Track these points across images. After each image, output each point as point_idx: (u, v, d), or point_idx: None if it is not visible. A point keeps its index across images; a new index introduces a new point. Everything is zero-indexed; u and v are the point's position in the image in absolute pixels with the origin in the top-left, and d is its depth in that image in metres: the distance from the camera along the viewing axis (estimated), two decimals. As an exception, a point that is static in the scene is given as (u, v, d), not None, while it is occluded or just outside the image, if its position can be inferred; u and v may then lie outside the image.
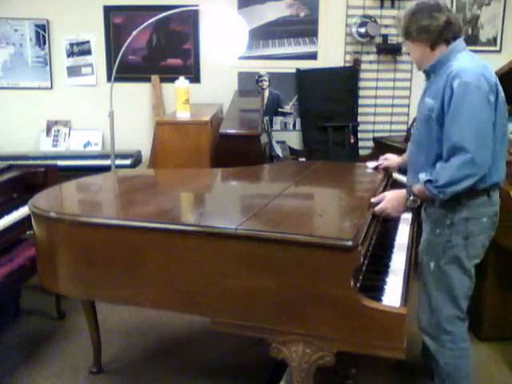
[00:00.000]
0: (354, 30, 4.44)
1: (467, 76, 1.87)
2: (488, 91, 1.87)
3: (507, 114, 2.00)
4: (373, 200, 2.05)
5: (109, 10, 4.47)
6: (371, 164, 2.66)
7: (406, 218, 2.57)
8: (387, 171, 2.58)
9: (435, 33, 1.98)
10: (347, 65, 4.57)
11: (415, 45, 2.04)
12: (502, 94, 1.94)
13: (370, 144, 4.48)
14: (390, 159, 2.58)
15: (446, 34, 2.00)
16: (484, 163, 1.84)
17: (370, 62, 4.59)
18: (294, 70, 4.54)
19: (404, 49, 2.14)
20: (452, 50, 2.02)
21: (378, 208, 2.02)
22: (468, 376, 2.06)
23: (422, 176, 1.94)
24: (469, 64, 1.94)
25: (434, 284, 2.06)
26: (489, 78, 1.91)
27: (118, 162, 3.94)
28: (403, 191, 2.01)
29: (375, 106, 4.63)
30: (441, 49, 2.01)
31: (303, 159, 4.16)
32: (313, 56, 4.57)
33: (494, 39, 4.60)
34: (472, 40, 4.55)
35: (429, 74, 2.09)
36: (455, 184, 1.85)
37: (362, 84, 4.62)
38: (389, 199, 2.02)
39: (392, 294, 1.73)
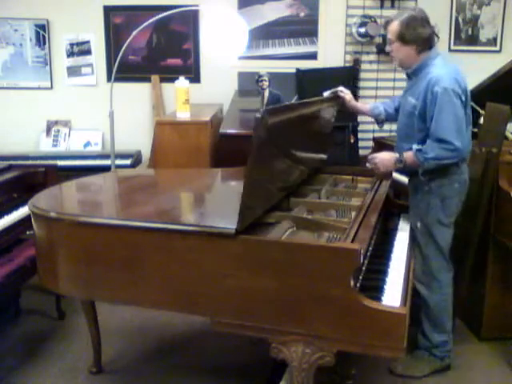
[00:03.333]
0: (353, 30, 4.44)
1: (445, 82, 2.27)
2: (461, 93, 2.29)
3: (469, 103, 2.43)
4: (369, 157, 2.44)
5: (109, 10, 4.47)
6: (327, 93, 2.63)
7: (406, 217, 2.57)
8: (341, 105, 2.68)
9: (424, 40, 2.37)
10: (347, 65, 4.56)
11: (404, 47, 2.38)
12: (468, 90, 2.38)
13: (370, 144, 4.48)
14: (348, 94, 2.67)
15: (430, 43, 2.39)
16: (464, 149, 2.31)
17: (370, 62, 4.58)
18: (294, 70, 4.53)
19: (388, 48, 2.46)
20: (429, 57, 2.40)
21: (371, 159, 2.42)
22: (450, 313, 2.54)
23: (415, 146, 2.32)
24: (445, 70, 2.33)
25: (423, 239, 2.45)
26: (460, 80, 2.32)
27: (118, 161, 3.94)
28: (394, 153, 2.41)
29: (375, 105, 4.63)
30: (424, 54, 2.39)
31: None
32: (313, 56, 4.57)
33: (494, 39, 4.59)
34: (472, 40, 4.55)
35: (410, 75, 2.47)
36: (438, 160, 2.28)
37: (362, 84, 4.62)
38: (382, 157, 2.42)
39: (392, 294, 1.74)
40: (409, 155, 2.33)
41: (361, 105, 2.81)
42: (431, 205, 2.41)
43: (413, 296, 1.93)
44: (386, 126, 4.75)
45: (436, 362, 2.54)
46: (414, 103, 2.37)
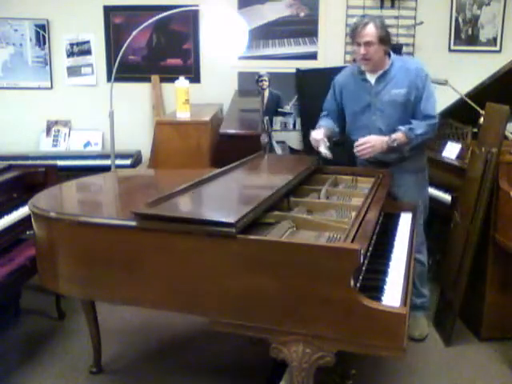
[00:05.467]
0: (354, 29, 4.43)
1: (425, 69, 2.70)
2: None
3: None
4: (356, 143, 2.68)
5: (109, 10, 4.47)
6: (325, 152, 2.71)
7: (406, 217, 2.57)
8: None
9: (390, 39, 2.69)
10: (347, 65, 4.56)
11: (381, 48, 2.62)
12: None
13: (370, 144, 4.48)
14: (321, 139, 2.75)
15: None
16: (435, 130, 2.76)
17: (370, 62, 4.58)
18: (294, 70, 4.53)
19: (363, 50, 2.61)
20: (392, 55, 2.73)
21: (360, 148, 2.66)
22: None
23: (402, 127, 2.65)
24: (415, 60, 2.95)
25: (423, 213, 2.85)
26: None
27: (118, 161, 3.94)
28: (384, 137, 2.66)
29: (375, 106, 4.63)
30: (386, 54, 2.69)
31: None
32: (313, 56, 4.57)
33: (494, 39, 4.59)
34: (472, 40, 4.55)
35: (383, 75, 2.70)
36: (424, 135, 2.68)
37: (361, 84, 4.61)
38: (374, 141, 2.65)
39: (392, 294, 1.73)
40: (399, 135, 2.65)
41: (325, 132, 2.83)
42: (426, 178, 2.91)
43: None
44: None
45: (426, 313, 3.01)
46: (405, 92, 2.67)
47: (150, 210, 1.78)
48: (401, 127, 2.66)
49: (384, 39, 2.61)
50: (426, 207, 2.92)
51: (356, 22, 2.70)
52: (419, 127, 2.64)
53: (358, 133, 2.79)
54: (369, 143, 2.65)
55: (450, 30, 4.54)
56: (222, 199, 2.14)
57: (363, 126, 2.79)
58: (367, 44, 2.59)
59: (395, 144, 2.64)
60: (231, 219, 1.64)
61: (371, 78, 2.74)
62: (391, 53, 2.73)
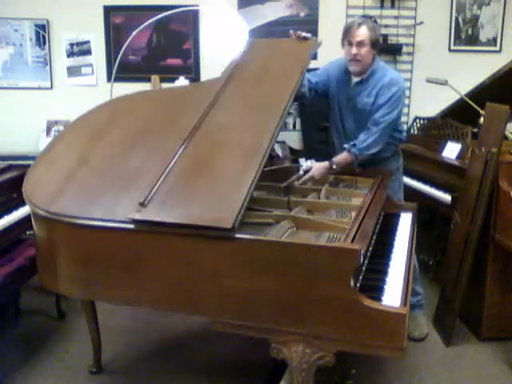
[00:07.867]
0: (354, 29, 4.43)
1: (400, 84, 2.62)
2: (404, 91, 2.68)
3: None
4: (301, 170, 2.56)
5: (109, 10, 4.47)
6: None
7: (406, 218, 2.57)
8: None
9: (380, 46, 2.68)
10: (347, 65, 4.57)
11: (371, 51, 2.59)
12: None
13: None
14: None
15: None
16: (383, 142, 2.63)
17: (370, 62, 4.58)
18: (293, 70, 4.53)
19: (355, 50, 2.57)
20: (378, 61, 2.68)
21: (306, 177, 2.52)
22: None
23: (346, 145, 2.61)
24: (395, 73, 2.72)
25: None
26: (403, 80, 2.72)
27: (118, 162, 3.93)
28: (326, 163, 2.59)
29: (375, 105, 4.62)
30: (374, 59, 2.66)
31: (303, 159, 4.14)
32: (313, 56, 4.57)
33: (494, 39, 4.58)
34: (472, 40, 4.55)
35: (364, 80, 2.65)
36: (372, 147, 2.59)
37: (361, 84, 4.61)
38: (315, 169, 2.55)
39: (392, 294, 1.74)
40: (340, 158, 2.61)
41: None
42: (400, 180, 2.89)
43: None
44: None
45: (423, 310, 2.98)
46: (369, 101, 2.63)
47: (144, 215, 1.76)
48: (345, 145, 2.62)
49: (375, 43, 2.59)
50: None
51: (349, 22, 2.66)
52: (363, 141, 2.58)
53: (335, 129, 2.88)
54: (311, 173, 2.53)
55: (450, 30, 4.53)
56: (214, 187, 1.88)
57: (339, 124, 2.83)
58: (359, 44, 2.56)
59: (335, 167, 2.59)
60: (227, 224, 1.63)
61: (353, 81, 2.71)
62: (377, 60, 2.67)
